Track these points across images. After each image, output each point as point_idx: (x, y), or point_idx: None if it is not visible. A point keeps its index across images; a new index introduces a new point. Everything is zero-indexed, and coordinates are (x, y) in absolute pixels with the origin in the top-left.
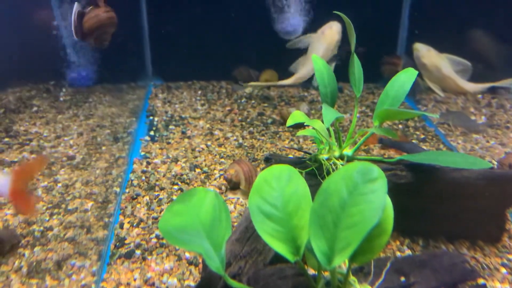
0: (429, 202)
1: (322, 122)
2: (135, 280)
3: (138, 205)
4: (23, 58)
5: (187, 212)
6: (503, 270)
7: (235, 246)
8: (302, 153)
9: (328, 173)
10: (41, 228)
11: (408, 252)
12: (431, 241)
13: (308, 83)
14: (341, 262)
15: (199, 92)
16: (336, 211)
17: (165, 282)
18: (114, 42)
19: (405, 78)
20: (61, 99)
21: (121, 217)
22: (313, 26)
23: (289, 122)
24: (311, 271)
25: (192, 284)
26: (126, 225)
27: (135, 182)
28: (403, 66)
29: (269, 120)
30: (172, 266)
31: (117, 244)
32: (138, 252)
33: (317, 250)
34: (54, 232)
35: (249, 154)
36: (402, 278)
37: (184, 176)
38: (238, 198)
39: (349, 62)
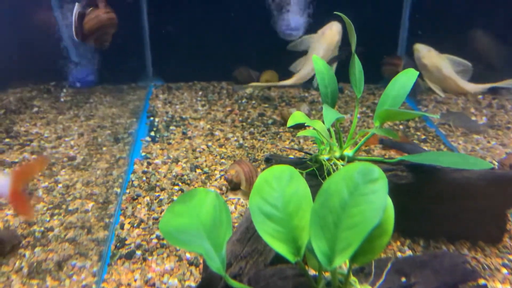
0: (430, 202)
1: (323, 122)
2: (135, 280)
3: (138, 206)
4: (23, 59)
5: (188, 213)
6: (504, 271)
7: (235, 246)
8: (303, 153)
9: (329, 173)
10: (42, 228)
11: (409, 252)
12: (432, 241)
13: (308, 83)
14: (342, 263)
15: (200, 92)
16: (337, 212)
17: (165, 282)
18: (114, 42)
19: (405, 79)
20: (62, 99)
21: (121, 218)
22: (313, 26)
23: (290, 122)
24: (312, 272)
25: (193, 284)
26: (126, 226)
27: (135, 183)
28: (403, 67)
29: (270, 121)
30: (172, 266)
31: (118, 244)
32: (138, 252)
33: (317, 251)
34: (54, 233)
35: (249, 155)
36: (403, 279)
37: (185, 176)
38: (239, 199)
39: (349, 62)
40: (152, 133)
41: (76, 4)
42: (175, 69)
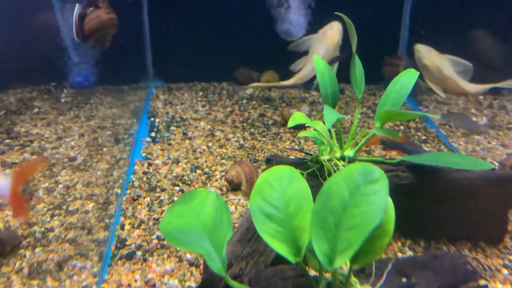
0: (430, 203)
1: (323, 123)
2: (136, 281)
3: (139, 206)
4: (24, 59)
5: (188, 213)
6: (505, 271)
7: (236, 247)
8: (303, 154)
9: (330, 174)
10: (42, 229)
11: (409, 253)
12: (433, 242)
13: (309, 84)
14: (343, 263)
15: (200, 93)
16: (338, 212)
17: (166, 283)
18: (115, 43)
19: (406, 79)
20: (62, 100)
21: (122, 218)
22: (314, 26)
23: (290, 123)
24: (312, 272)
25: (193, 285)
26: (127, 226)
27: (136, 183)
28: (404, 67)
29: (270, 121)
30: (173, 267)
31: (118, 245)
32: (139, 253)
33: (318, 251)
34: (55, 233)
35: (250, 155)
36: (404, 279)
37: (185, 177)
38: (239, 199)
39: (350, 63)
40: (153, 134)
41: (77, 4)
42: (176, 69)
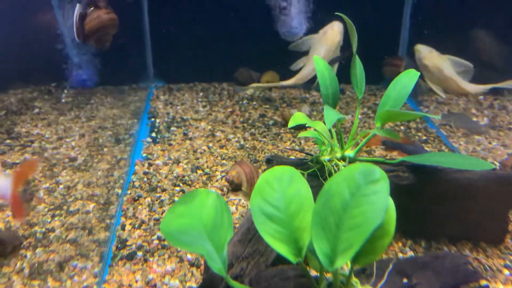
0: (431, 203)
1: (324, 123)
2: (136, 281)
3: (139, 207)
4: (24, 60)
5: (189, 214)
6: (506, 272)
7: (237, 247)
8: (304, 154)
9: (330, 174)
10: (43, 229)
11: (410, 253)
12: (433, 242)
13: (309, 84)
14: (343, 264)
15: (201, 93)
16: (338, 213)
17: (167, 283)
18: (115, 43)
19: (407, 80)
20: (63, 100)
21: (122, 219)
22: (315, 27)
23: (291, 123)
24: (313, 273)
25: (194, 285)
26: (127, 227)
27: (136, 184)
28: (404, 68)
29: (271, 122)
30: (174, 267)
31: (119, 245)
32: (139, 253)
33: (319, 252)
34: (56, 234)
35: (250, 156)
36: (405, 280)
37: (186, 177)
38: (240, 200)
39: (350, 63)
40: (153, 134)
41: (77, 4)
42: (176, 70)
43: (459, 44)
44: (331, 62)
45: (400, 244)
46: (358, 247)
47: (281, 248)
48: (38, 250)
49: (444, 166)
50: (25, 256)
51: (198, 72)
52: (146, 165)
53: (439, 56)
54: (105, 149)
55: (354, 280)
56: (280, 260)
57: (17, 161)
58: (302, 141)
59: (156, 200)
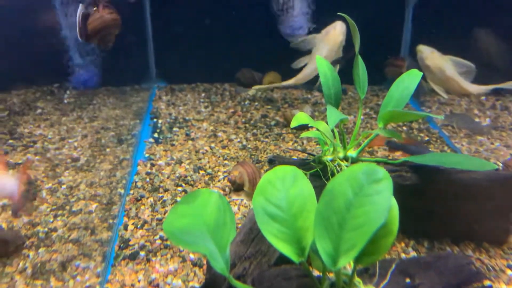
0: (434, 203)
1: (326, 123)
2: (139, 281)
3: (142, 207)
4: (27, 60)
5: (192, 214)
6: (509, 272)
7: (239, 247)
8: (306, 154)
9: (333, 174)
10: (46, 229)
11: (413, 253)
12: (436, 242)
13: (311, 84)
14: (346, 264)
15: (203, 94)
16: (341, 212)
17: (169, 283)
18: (118, 44)
19: (409, 80)
20: (65, 101)
21: (125, 219)
22: (317, 27)
23: (293, 123)
24: (316, 272)
25: (197, 285)
26: (130, 227)
27: (139, 184)
28: (407, 68)
29: (273, 122)
30: (176, 267)
31: (122, 245)
32: (142, 253)
33: (322, 251)
34: (58, 234)
35: (252, 156)
36: (407, 280)
37: (188, 177)
38: (242, 200)
39: (353, 63)
40: (156, 135)
41: (80, 4)
42: (178, 70)
43: (461, 44)
44: (333, 63)
45: (403, 244)
46: (361, 247)
47: (284, 248)
48: (41, 250)
49: (447, 166)
50: (28, 256)
51: (200, 73)
52: (149, 165)
53: (441, 57)
54: (108, 150)
55: (357, 280)
56: (282, 260)
57: (20, 161)
58: (304, 142)
59: (159, 200)
